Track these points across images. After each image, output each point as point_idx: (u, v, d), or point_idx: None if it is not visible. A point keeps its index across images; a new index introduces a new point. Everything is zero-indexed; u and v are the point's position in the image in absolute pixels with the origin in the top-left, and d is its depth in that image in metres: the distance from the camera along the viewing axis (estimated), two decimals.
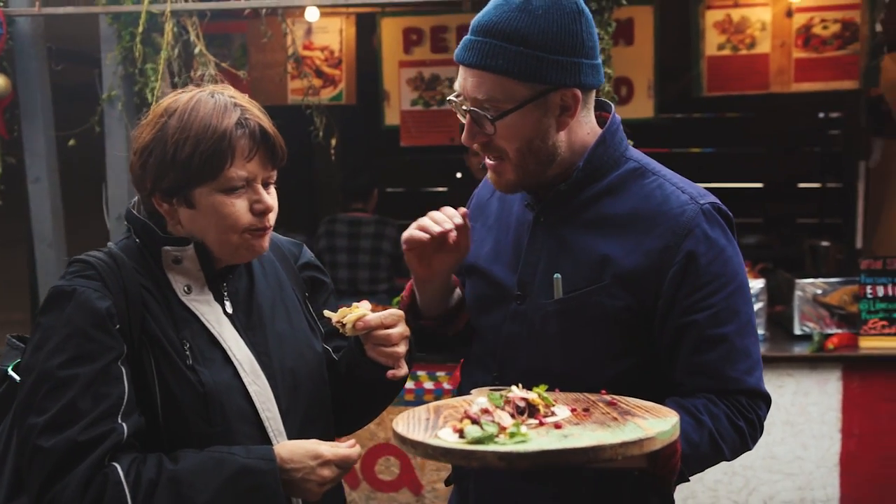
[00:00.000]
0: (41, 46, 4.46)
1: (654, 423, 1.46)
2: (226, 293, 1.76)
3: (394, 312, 1.77)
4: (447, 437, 1.40)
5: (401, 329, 1.77)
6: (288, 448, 1.65)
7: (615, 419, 1.49)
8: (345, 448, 1.68)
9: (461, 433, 1.39)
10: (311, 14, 5.26)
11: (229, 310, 1.75)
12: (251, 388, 1.70)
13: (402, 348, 1.77)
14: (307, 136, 4.84)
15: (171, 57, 4.14)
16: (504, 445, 1.33)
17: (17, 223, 5.04)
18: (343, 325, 1.74)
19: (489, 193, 2.04)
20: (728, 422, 1.71)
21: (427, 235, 1.78)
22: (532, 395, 1.49)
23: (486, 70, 1.68)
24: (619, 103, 5.06)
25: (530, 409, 1.47)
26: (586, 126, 1.80)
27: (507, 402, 1.49)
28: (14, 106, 4.46)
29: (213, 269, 1.74)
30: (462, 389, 1.96)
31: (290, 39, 4.58)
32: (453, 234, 1.78)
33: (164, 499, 1.52)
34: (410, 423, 1.52)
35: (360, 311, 1.73)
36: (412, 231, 1.79)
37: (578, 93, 1.72)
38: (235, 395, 1.67)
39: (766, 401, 1.77)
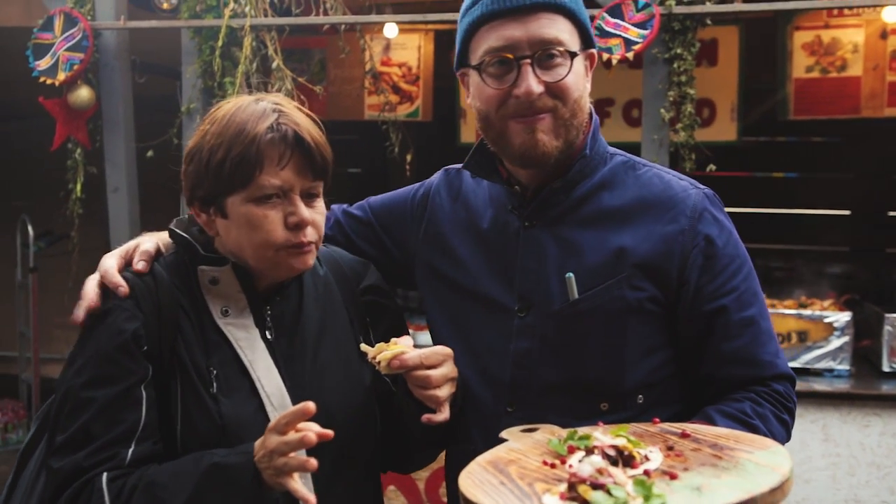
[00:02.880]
0: (125, 59, 4.56)
1: (768, 456, 1.32)
2: (269, 317, 1.67)
3: (438, 351, 1.65)
4: None
5: (444, 370, 1.64)
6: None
7: (717, 457, 1.35)
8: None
9: (578, 501, 1.18)
10: (390, 30, 5.29)
11: (270, 336, 1.66)
12: None
13: (443, 392, 1.63)
14: (383, 151, 4.85)
15: (248, 71, 4.19)
16: None
17: (98, 231, 5.16)
18: (378, 363, 1.61)
19: (449, 198, 1.92)
20: (776, 419, 1.67)
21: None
22: (621, 442, 1.32)
23: (557, 10, 1.65)
24: (701, 125, 4.95)
25: (623, 458, 1.30)
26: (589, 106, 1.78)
27: (592, 451, 1.30)
28: (97, 117, 4.56)
29: (255, 291, 1.66)
30: (467, 433, 1.77)
31: (368, 55, 4.61)
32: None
33: (140, 502, 1.46)
34: (491, 492, 1.29)
35: (398, 348, 1.60)
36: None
37: (595, 54, 1.74)
38: (257, 429, 1.52)
39: (794, 383, 1.73)
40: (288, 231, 1.59)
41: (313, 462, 1.41)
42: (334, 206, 2.04)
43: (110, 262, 1.65)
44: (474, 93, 1.72)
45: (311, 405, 1.41)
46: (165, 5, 4.34)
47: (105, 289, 1.60)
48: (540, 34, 1.64)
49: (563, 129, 1.68)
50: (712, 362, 1.69)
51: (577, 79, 1.67)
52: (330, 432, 1.41)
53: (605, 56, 3.90)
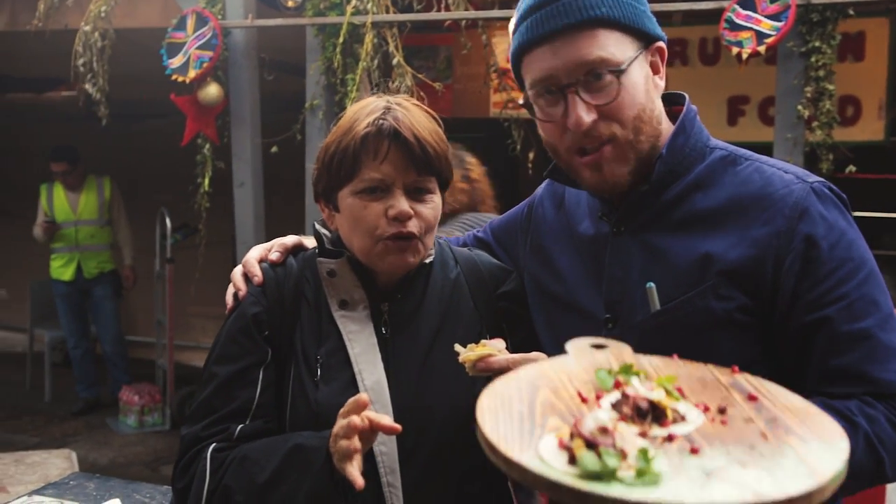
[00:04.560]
0: (253, 57, 4.69)
1: (819, 452, 1.12)
2: (386, 314, 1.70)
3: (529, 357, 1.55)
4: (552, 457, 1.11)
5: None
6: None
7: (764, 437, 1.17)
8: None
9: (571, 455, 1.11)
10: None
11: (386, 332, 1.69)
12: None
13: None
14: (507, 148, 4.82)
15: (370, 67, 4.23)
16: (631, 489, 1.08)
17: (225, 224, 5.35)
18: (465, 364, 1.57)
19: (552, 208, 1.86)
20: (889, 424, 1.45)
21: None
22: (658, 395, 1.22)
23: (594, 25, 1.50)
24: (844, 124, 4.68)
25: (655, 414, 1.19)
26: (663, 114, 1.63)
27: (625, 399, 1.21)
28: (225, 113, 4.71)
29: (374, 287, 1.70)
30: None
31: (491, 51, 4.59)
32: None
33: (231, 474, 1.55)
34: (501, 419, 1.21)
35: (485, 350, 1.55)
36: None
37: (664, 46, 1.58)
38: None
39: None
40: (388, 222, 1.61)
41: (356, 445, 1.40)
42: (467, 234, 2.07)
43: (253, 253, 1.77)
44: (539, 123, 1.63)
45: (363, 397, 1.42)
46: (290, 3, 4.43)
47: (247, 278, 1.72)
48: (577, 58, 1.51)
49: (630, 152, 1.57)
50: (817, 379, 1.51)
51: (633, 93, 1.54)
52: (397, 427, 1.41)
53: (735, 50, 3.74)
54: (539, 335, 1.80)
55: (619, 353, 1.37)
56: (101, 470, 5.51)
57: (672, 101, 1.68)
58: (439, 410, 1.65)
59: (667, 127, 1.63)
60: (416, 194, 1.63)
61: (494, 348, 1.55)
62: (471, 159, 3.28)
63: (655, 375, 1.27)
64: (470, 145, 3.57)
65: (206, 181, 4.67)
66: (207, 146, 4.71)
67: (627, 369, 1.27)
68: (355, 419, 1.40)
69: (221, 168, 4.75)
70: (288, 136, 4.58)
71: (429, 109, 1.69)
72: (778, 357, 1.55)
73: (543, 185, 1.93)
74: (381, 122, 1.59)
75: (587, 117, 1.50)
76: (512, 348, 1.66)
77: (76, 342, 6.99)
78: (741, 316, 1.53)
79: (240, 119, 4.67)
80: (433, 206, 1.65)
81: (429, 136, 1.61)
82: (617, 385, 1.24)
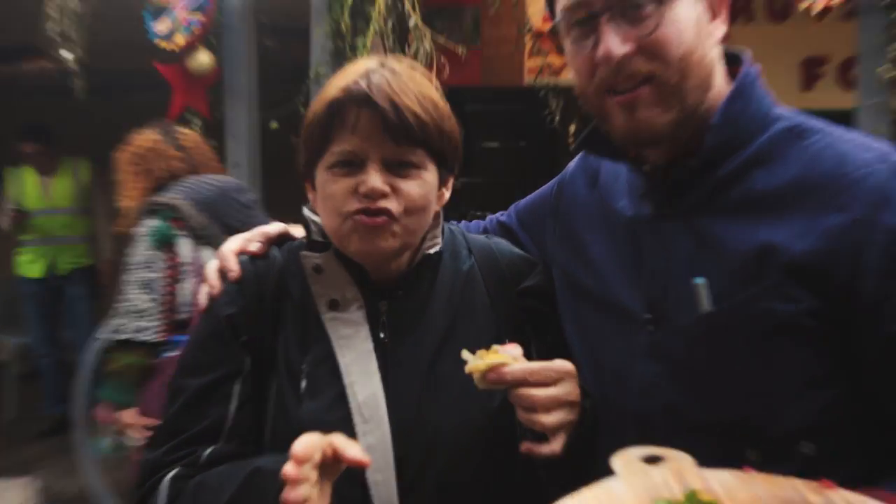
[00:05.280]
0: (250, 20, 4.70)
1: None
2: (384, 315, 1.68)
3: (552, 367, 1.52)
4: None
5: (556, 391, 1.50)
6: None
7: None
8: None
9: None
10: None
11: (384, 337, 1.66)
12: (363, 440, 1.56)
13: (551, 418, 1.50)
14: (545, 120, 4.83)
15: (383, 31, 4.22)
16: None
17: None
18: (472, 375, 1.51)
19: (585, 186, 1.83)
20: None
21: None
22: None
23: None
24: None
25: None
26: (721, 71, 1.60)
27: None
28: (218, 85, 4.72)
29: (369, 283, 1.68)
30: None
31: (522, 10, 4.59)
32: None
33: (186, 502, 1.52)
34: None
35: (498, 358, 1.49)
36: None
37: None
38: None
39: None
40: (358, 199, 1.59)
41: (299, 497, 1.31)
42: (490, 217, 2.05)
43: (230, 244, 1.75)
44: (568, 62, 1.60)
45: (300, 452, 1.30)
46: None
47: (223, 273, 1.70)
48: None
49: (675, 98, 1.52)
50: None
51: (681, 27, 1.49)
52: (365, 461, 1.34)
53: (804, 4, 3.74)
54: (567, 338, 1.77)
55: (678, 469, 1.27)
56: (68, 502, 5.46)
57: (730, 62, 1.64)
58: (448, 431, 1.61)
59: (723, 89, 1.59)
60: (398, 168, 1.60)
61: (509, 356, 1.50)
62: (183, 130, 3.83)
63: (729, 501, 1.18)
64: (503, 118, 3.60)
65: None
66: (197, 121, 4.73)
67: (693, 497, 1.20)
68: (288, 469, 1.29)
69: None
70: (290, 110, 4.52)
71: (426, 72, 1.68)
72: (854, 375, 1.48)
73: (576, 159, 1.92)
74: (353, 86, 1.58)
75: (619, 48, 1.48)
76: (536, 355, 1.65)
77: (46, 349, 6.92)
78: (809, 321, 1.46)
79: (235, 91, 4.68)
80: (420, 182, 1.61)
81: (412, 101, 1.59)
82: None
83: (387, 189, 1.57)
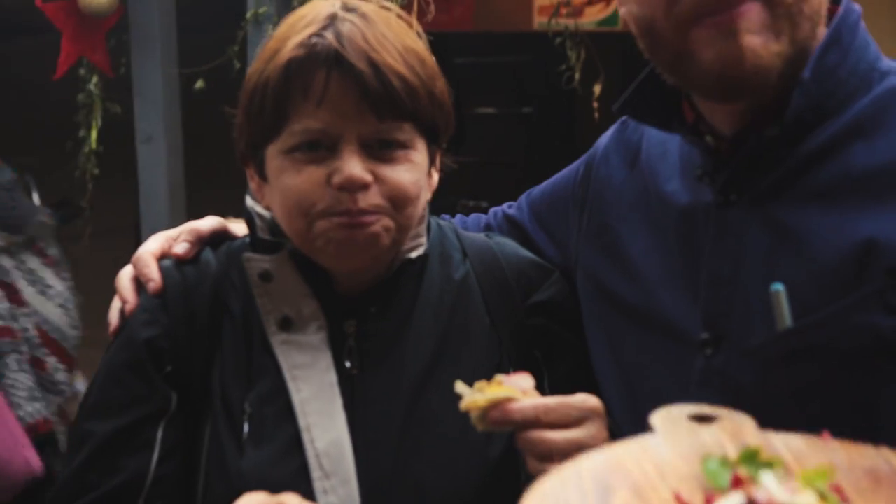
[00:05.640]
0: None
1: None
2: (352, 338, 1.70)
3: (571, 403, 1.53)
4: None
5: (578, 434, 1.52)
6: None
7: None
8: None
9: None
10: None
11: (350, 366, 1.70)
12: (324, 499, 1.59)
13: None
14: (568, 79, 4.79)
15: None
16: None
17: (125, 201, 5.31)
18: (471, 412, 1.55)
19: (622, 166, 1.87)
20: None
21: None
22: (806, 500, 1.17)
23: None
24: None
25: None
26: None
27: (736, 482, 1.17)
28: (122, 30, 4.67)
29: (334, 295, 1.70)
30: None
31: None
32: None
33: None
34: None
35: (502, 391, 1.51)
36: None
37: None
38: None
39: None
40: (332, 195, 1.59)
41: None
42: (495, 209, 2.08)
43: (148, 246, 1.78)
44: None
45: None
46: None
47: (140, 283, 1.73)
48: None
49: (788, 23, 1.52)
50: None
51: None
52: None
53: None
54: (595, 366, 1.81)
55: (735, 428, 1.31)
56: None
57: None
58: (434, 490, 1.65)
59: (822, 33, 1.60)
60: (380, 150, 1.62)
61: (516, 388, 1.52)
62: None
63: (797, 466, 1.22)
64: (502, 74, 3.58)
65: (94, 135, 4.66)
66: (95, 80, 4.69)
67: (753, 457, 1.22)
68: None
69: (117, 114, 4.73)
70: (221, 62, 4.53)
71: (405, 16, 1.70)
72: None
73: (609, 132, 1.96)
74: (315, 39, 1.58)
75: None
76: (549, 389, 1.69)
77: None
78: None
79: (145, 38, 4.68)
80: (409, 166, 1.64)
81: (395, 59, 1.60)
82: (737, 482, 1.18)
83: (368, 178, 1.59)
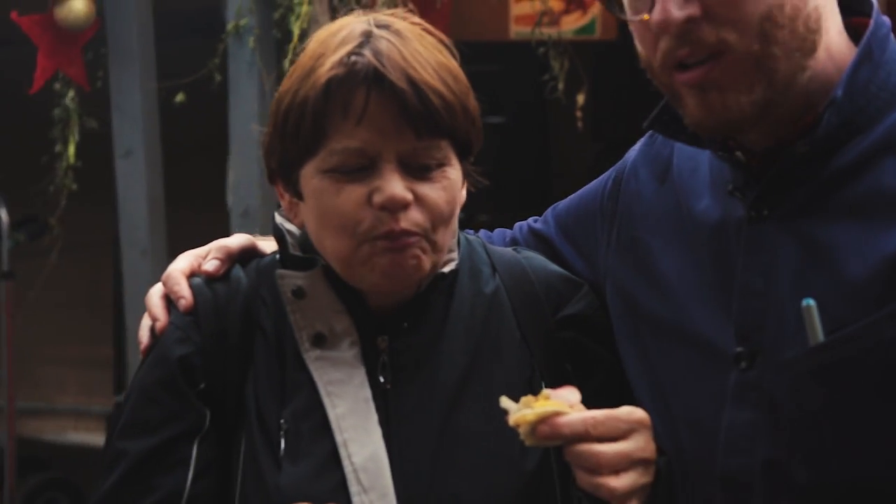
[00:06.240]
0: None
1: None
2: (385, 353, 1.70)
3: (619, 416, 1.56)
4: None
5: (626, 446, 1.54)
6: None
7: None
8: None
9: None
10: None
11: (384, 381, 1.69)
12: None
13: (622, 481, 1.54)
14: (541, 88, 4.76)
15: None
16: None
17: (101, 217, 5.25)
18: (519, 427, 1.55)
19: (652, 180, 1.87)
20: None
21: None
22: None
23: None
24: None
25: None
26: (835, 23, 1.61)
27: None
28: (99, 43, 4.63)
29: (367, 312, 1.71)
30: None
31: None
32: None
33: None
34: None
35: (550, 406, 1.53)
36: None
37: None
38: None
39: None
40: (374, 215, 1.59)
41: None
42: (520, 224, 2.09)
43: (179, 264, 1.77)
44: (630, 27, 1.65)
45: None
46: None
47: (171, 301, 1.73)
48: None
49: (756, 72, 1.53)
50: None
51: None
52: None
53: None
54: (630, 380, 1.81)
55: None
56: None
57: (852, 10, 1.66)
58: (474, 495, 1.66)
59: (840, 48, 1.61)
60: (418, 170, 1.62)
61: (564, 402, 1.54)
62: None
63: None
64: (481, 84, 3.58)
65: (71, 149, 4.63)
66: (71, 94, 4.66)
67: None
68: None
69: (94, 129, 4.71)
70: (201, 76, 4.53)
71: (437, 32, 1.68)
72: None
73: (638, 146, 1.95)
74: (354, 58, 1.58)
75: (678, 11, 1.49)
76: (583, 402, 1.65)
77: None
78: None
79: (123, 51, 4.64)
80: (446, 184, 1.64)
81: (433, 77, 1.59)
82: None
83: (409, 197, 1.59)
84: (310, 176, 1.63)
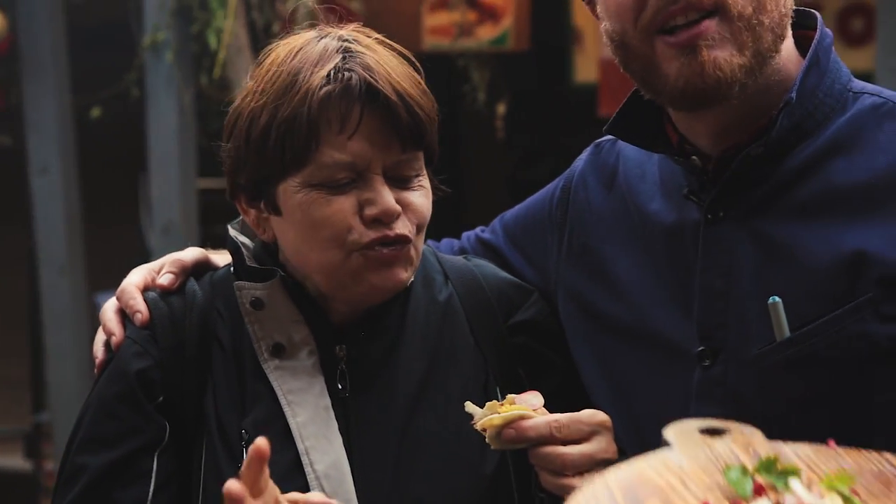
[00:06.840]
0: None
1: None
2: (343, 362, 1.72)
3: (581, 418, 1.59)
4: None
5: (589, 448, 1.58)
6: None
7: None
8: None
9: None
10: None
11: (343, 389, 1.71)
12: None
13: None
14: (455, 100, 4.78)
15: None
16: None
17: (16, 235, 5.18)
18: (485, 431, 1.59)
19: (600, 188, 1.91)
20: None
21: None
22: (821, 502, 1.23)
23: None
24: None
25: None
26: (789, 31, 1.65)
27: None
28: (12, 58, 4.59)
29: (325, 321, 1.72)
30: None
31: None
32: None
33: None
34: None
35: (514, 410, 1.57)
36: None
37: None
38: None
39: None
40: (366, 226, 1.62)
41: None
42: (467, 233, 2.10)
43: (133, 278, 1.78)
44: (600, 5, 1.67)
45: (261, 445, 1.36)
46: None
47: (125, 315, 1.73)
48: None
49: (749, 35, 1.57)
50: None
51: None
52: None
53: None
54: (587, 383, 1.83)
55: (746, 440, 1.36)
56: None
57: (797, 24, 1.70)
58: (437, 499, 1.68)
59: (791, 54, 1.66)
60: (401, 181, 1.66)
61: (527, 406, 1.57)
62: None
63: (810, 473, 1.28)
64: None
65: None
66: None
67: (771, 465, 1.27)
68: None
69: (8, 146, 4.69)
70: (118, 91, 4.49)
71: (398, 47, 1.72)
72: None
73: (583, 156, 1.98)
74: (344, 74, 1.60)
75: None
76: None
77: None
78: None
79: (36, 65, 4.59)
80: (424, 192, 1.69)
81: (415, 90, 1.64)
82: (760, 490, 1.23)
83: (399, 208, 1.63)
84: (292, 191, 1.63)
